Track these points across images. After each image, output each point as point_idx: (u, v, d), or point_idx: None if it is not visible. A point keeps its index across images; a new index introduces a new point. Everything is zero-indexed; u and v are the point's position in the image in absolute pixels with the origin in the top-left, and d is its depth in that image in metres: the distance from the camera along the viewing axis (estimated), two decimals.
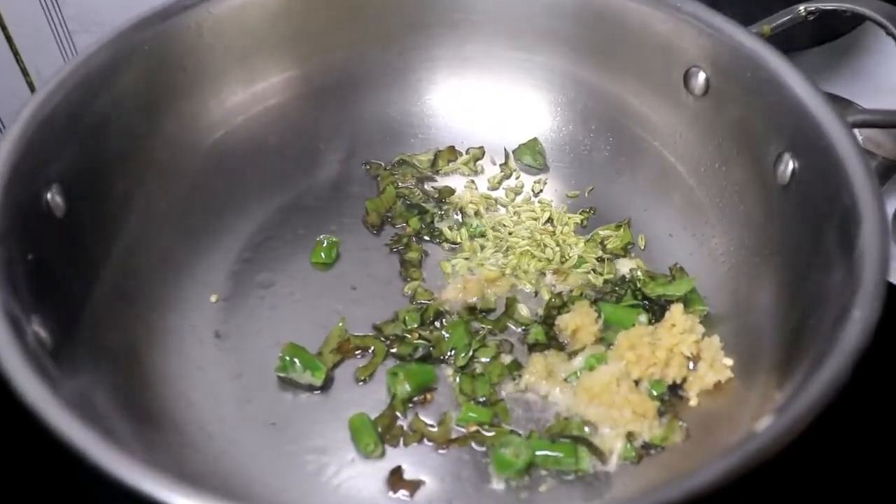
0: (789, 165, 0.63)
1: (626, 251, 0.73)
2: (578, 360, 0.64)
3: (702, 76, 0.70)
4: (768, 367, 0.58)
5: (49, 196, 0.59)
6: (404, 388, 0.62)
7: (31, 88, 0.88)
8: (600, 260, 0.72)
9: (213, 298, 0.69)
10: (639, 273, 0.70)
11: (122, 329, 0.63)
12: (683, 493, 0.37)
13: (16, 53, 0.85)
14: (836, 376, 0.44)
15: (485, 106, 0.82)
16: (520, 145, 0.80)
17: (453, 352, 0.65)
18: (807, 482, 0.62)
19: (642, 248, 0.73)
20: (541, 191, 0.79)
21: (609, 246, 0.73)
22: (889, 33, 0.64)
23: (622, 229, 0.74)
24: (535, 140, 0.80)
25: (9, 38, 0.84)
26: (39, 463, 0.64)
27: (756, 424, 0.44)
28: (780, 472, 0.55)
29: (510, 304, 0.69)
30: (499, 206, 0.77)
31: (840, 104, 0.85)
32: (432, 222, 0.75)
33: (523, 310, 0.69)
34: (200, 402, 0.63)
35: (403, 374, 0.63)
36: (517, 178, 0.80)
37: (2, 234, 0.53)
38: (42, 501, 0.64)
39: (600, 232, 0.74)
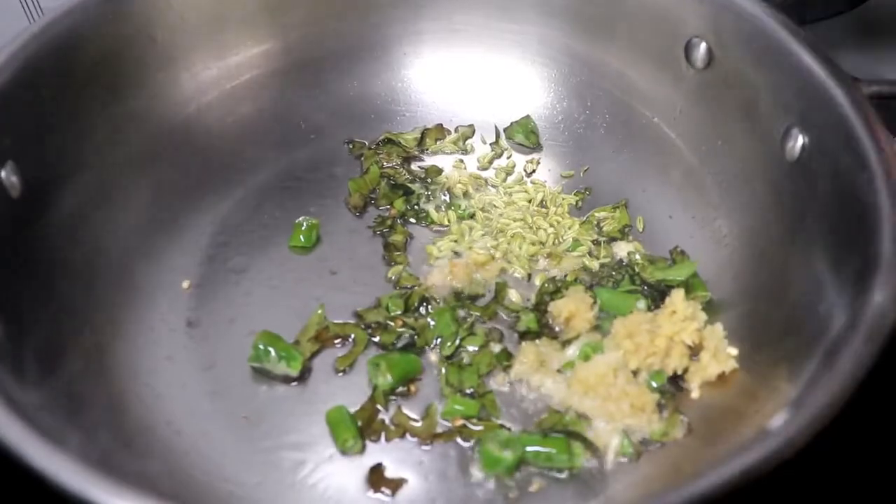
0: (799, 140, 0.59)
1: (623, 234, 0.69)
2: (572, 350, 0.60)
3: (703, 47, 0.66)
4: (777, 358, 0.54)
5: (3, 174, 0.55)
6: (386, 378, 0.59)
7: None
8: (596, 243, 0.68)
9: (185, 285, 0.65)
10: (637, 257, 0.66)
11: (85, 320, 0.59)
12: (688, 499, 0.33)
13: None
14: (857, 366, 0.40)
15: (474, 81, 0.78)
16: (511, 123, 0.76)
17: (439, 340, 0.61)
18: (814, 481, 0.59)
19: (641, 230, 0.69)
20: (534, 170, 0.75)
21: (605, 228, 0.69)
22: None
23: (619, 210, 0.70)
24: (527, 118, 0.76)
25: None
26: None
27: (768, 421, 0.39)
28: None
29: (500, 289, 0.65)
30: (489, 187, 0.73)
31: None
32: (418, 204, 0.71)
33: (514, 295, 0.65)
34: (169, 395, 0.59)
35: (385, 364, 0.59)
36: (508, 157, 0.76)
37: None
38: None
39: (596, 213, 0.70)
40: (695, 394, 0.57)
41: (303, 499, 0.54)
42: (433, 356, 0.61)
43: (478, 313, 0.63)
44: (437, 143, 0.76)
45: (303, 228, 0.68)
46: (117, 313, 0.62)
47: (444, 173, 0.74)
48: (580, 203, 0.71)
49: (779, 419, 0.39)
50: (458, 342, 0.61)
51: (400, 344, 0.61)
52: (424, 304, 0.64)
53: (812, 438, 0.37)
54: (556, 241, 0.68)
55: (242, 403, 0.59)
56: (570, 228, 0.69)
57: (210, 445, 0.56)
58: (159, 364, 0.60)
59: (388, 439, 0.57)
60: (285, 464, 0.56)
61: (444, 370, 0.60)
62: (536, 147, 0.76)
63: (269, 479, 0.55)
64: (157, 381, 0.59)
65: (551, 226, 0.69)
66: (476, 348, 0.61)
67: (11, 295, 0.53)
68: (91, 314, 0.60)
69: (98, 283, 0.62)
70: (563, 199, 0.71)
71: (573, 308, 0.62)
